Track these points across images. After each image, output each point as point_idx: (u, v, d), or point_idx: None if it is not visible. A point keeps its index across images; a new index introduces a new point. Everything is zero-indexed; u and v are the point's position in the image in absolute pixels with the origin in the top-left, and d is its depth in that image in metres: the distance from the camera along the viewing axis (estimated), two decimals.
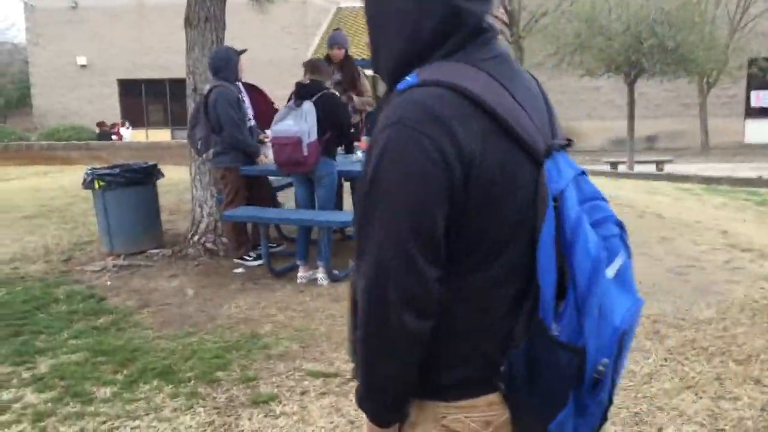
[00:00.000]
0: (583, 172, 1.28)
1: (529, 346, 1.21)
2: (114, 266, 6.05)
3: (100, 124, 23.64)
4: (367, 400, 1.30)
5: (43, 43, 27.44)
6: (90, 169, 6.19)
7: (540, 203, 1.20)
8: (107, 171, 6.12)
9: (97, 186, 6.04)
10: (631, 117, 18.18)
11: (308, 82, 5.52)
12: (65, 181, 11.43)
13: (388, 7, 1.28)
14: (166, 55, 26.66)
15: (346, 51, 6.92)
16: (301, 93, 5.47)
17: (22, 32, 36.20)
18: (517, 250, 1.23)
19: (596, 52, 17.17)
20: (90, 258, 6.45)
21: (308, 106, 5.36)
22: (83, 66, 27.37)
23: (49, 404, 3.56)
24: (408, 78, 1.22)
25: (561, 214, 1.19)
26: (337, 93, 5.73)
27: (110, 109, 27.47)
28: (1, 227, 8.01)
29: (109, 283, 5.74)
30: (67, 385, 3.78)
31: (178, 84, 27.28)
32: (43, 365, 4.07)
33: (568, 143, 1.29)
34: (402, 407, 1.30)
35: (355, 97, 6.75)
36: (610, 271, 1.22)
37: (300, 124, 5.32)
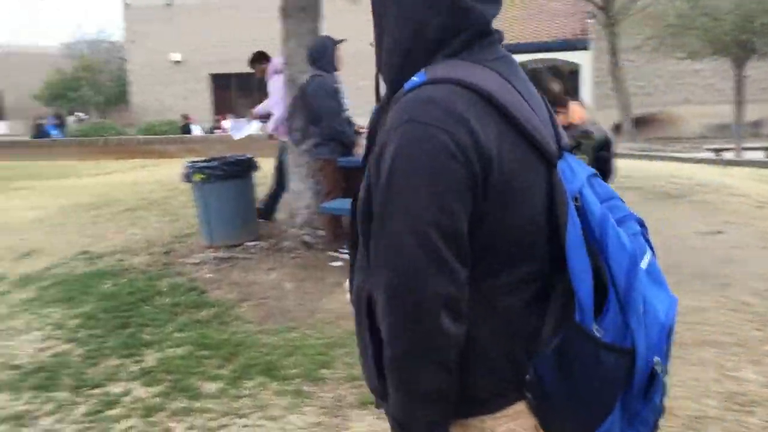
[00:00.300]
0: (595, 173, 1.26)
1: (562, 351, 1.15)
2: (214, 258, 6.08)
3: (185, 117, 24.22)
4: (409, 427, 1.18)
5: (139, 41, 28.39)
6: (189, 163, 6.24)
7: (560, 204, 1.17)
8: (206, 164, 6.15)
9: (196, 179, 6.07)
10: (739, 101, 17.19)
11: None
12: (162, 174, 11.71)
13: (393, 2, 1.23)
14: (256, 49, 27.05)
15: None
16: None
17: (119, 31, 37.74)
18: (535, 252, 1.20)
19: (701, 33, 16.30)
20: (190, 250, 6.51)
21: None
22: (177, 62, 28.18)
23: (158, 399, 3.55)
24: (414, 78, 1.17)
25: (584, 213, 1.17)
26: None
27: (202, 104, 28.20)
28: (104, 220, 8.23)
29: (209, 275, 5.76)
30: (174, 380, 3.76)
31: None
32: (150, 358, 4.08)
33: (577, 145, 1.28)
34: (447, 428, 1.20)
35: None
36: (643, 266, 1.19)
37: None
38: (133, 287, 5.49)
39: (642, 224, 1.29)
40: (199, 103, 28.10)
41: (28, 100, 34.52)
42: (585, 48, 23.07)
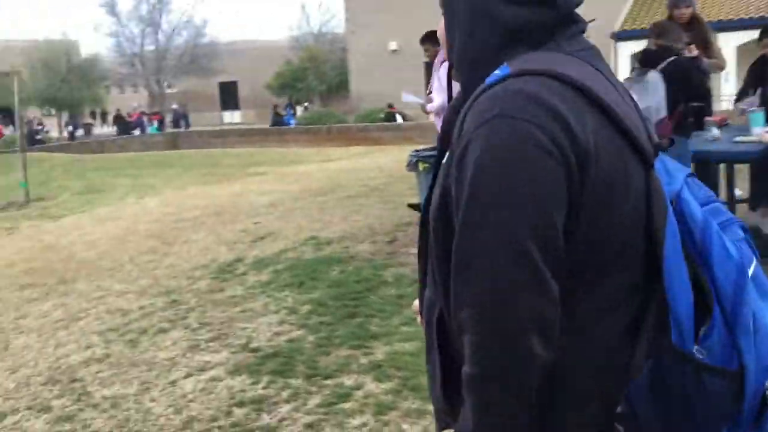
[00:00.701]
0: (693, 174, 1.18)
1: (657, 378, 1.07)
2: None
3: (389, 106, 24.65)
4: None
5: (359, 31, 29.50)
6: (414, 152, 6.19)
7: (657, 208, 1.05)
8: (431, 153, 6.05)
9: (421, 168, 6.00)
10: None
11: (654, 47, 4.82)
12: (382, 161, 11.96)
13: None
14: None
15: (694, 9, 6.02)
16: (645, 61, 4.80)
17: (341, 23, 39.57)
18: (631, 265, 1.06)
19: None
20: (412, 240, 6.46)
21: (654, 76, 4.68)
22: (394, 51, 28.90)
23: (389, 396, 3.47)
24: (497, 71, 1.05)
25: (684, 218, 1.09)
26: (694, 55, 4.94)
27: (418, 92, 28.63)
28: (331, 206, 8.50)
29: None
30: (404, 377, 3.66)
31: None
32: (379, 352, 4.03)
33: (671, 143, 1.06)
34: None
35: (704, 59, 5.84)
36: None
37: (645, 99, 4.65)
38: (360, 276, 5.54)
39: (746, 230, 1.16)
40: (415, 91, 28.52)
41: (260, 91, 37.33)
42: None
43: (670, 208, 1.07)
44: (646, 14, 24.77)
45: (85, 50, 40.94)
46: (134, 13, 39.12)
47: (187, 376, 4.00)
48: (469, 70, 1.13)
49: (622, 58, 24.46)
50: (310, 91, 31.14)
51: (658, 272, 1.04)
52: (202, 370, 4.09)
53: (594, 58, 1.12)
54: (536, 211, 0.97)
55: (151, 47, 39.60)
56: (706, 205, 1.13)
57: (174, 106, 33.75)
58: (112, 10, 38.97)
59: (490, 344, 0.99)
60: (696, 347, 1.04)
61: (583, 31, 1.15)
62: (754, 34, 21.72)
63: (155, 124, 31.58)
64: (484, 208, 0.99)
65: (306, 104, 30.49)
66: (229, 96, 44.67)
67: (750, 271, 1.08)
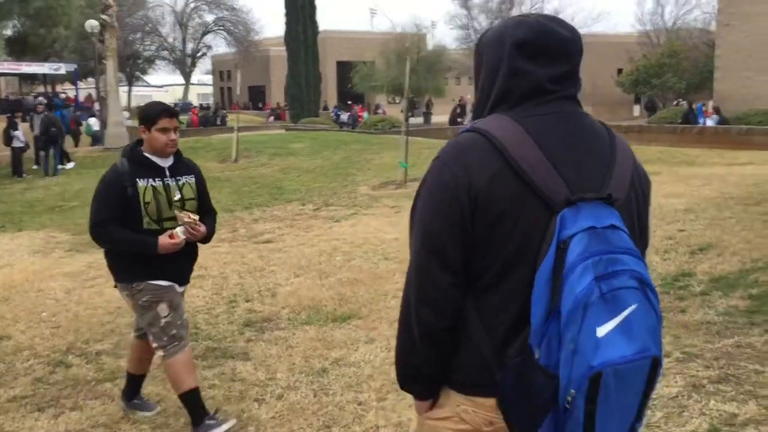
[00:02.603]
0: (613, 225, 1.40)
1: (520, 363, 1.42)
2: None
3: None
4: (397, 375, 1.65)
5: (735, 24, 26.13)
6: None
7: (544, 244, 1.41)
8: None
9: None
10: None
11: None
12: None
13: (482, 67, 1.61)
14: None
15: None
16: None
17: (699, 16, 35.91)
18: (519, 278, 1.45)
19: None
20: None
21: None
22: None
23: None
24: (467, 126, 1.56)
25: (565, 257, 1.37)
26: None
27: None
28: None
29: None
30: None
31: None
32: None
33: (607, 198, 1.42)
34: (428, 386, 1.61)
35: None
36: (615, 319, 1.33)
37: None
38: None
39: (647, 285, 1.39)
40: None
41: (602, 86, 35.47)
42: None
43: (553, 246, 1.39)
44: None
45: (434, 42, 42.57)
46: (485, 7, 39.88)
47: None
48: (476, 117, 1.61)
49: None
50: (667, 89, 28.55)
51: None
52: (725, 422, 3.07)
53: (542, 122, 1.49)
54: (432, 225, 1.50)
55: None
56: (608, 253, 1.37)
57: None
58: (464, 3, 40.12)
59: (402, 305, 1.57)
60: (537, 349, 1.39)
61: (569, 97, 1.54)
62: None
63: None
64: (413, 222, 1.57)
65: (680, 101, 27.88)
66: None
67: (622, 314, 1.34)
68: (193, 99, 60.87)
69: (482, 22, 40.76)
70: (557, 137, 1.48)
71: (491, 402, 1.51)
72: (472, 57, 1.68)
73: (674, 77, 28.75)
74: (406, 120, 13.30)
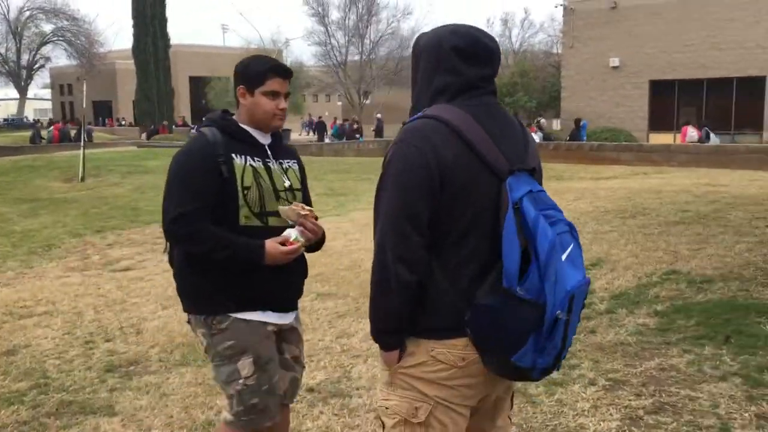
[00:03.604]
0: (542, 190, 1.86)
1: (493, 304, 1.78)
2: None
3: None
4: (375, 331, 1.92)
5: (578, 46, 27.65)
6: None
7: (502, 205, 1.80)
8: None
9: None
10: None
11: None
12: (676, 184, 10.24)
13: (420, 68, 1.97)
14: (709, 53, 24.49)
15: None
16: None
17: (545, 38, 37.89)
18: (479, 237, 1.83)
19: None
20: None
21: None
22: (615, 67, 26.78)
23: None
24: (416, 115, 1.90)
25: (522, 215, 1.77)
26: None
27: (638, 111, 26.38)
28: (654, 232, 7.00)
29: None
30: None
31: (716, 83, 25.08)
32: None
33: (532, 170, 1.87)
34: (401, 336, 1.89)
35: None
36: (563, 255, 1.76)
37: None
38: None
39: (571, 227, 1.86)
40: (634, 111, 26.34)
41: None
42: None
43: (511, 206, 1.78)
44: None
45: (293, 58, 42.04)
46: (342, 24, 39.80)
47: None
48: (414, 111, 1.94)
49: None
50: (518, 107, 29.71)
51: (500, 242, 1.78)
52: None
53: (479, 109, 1.89)
54: (407, 196, 1.81)
55: (356, 57, 40.00)
56: (545, 209, 1.80)
57: (378, 116, 33.58)
58: (322, 20, 39.85)
59: (378, 267, 1.85)
60: (518, 287, 1.74)
61: (493, 92, 1.96)
62: None
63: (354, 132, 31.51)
64: (383, 191, 1.86)
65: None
66: None
67: (567, 251, 1.78)
68: (30, 114, 56.57)
69: (340, 39, 40.72)
70: (491, 122, 1.88)
71: (463, 341, 1.84)
72: (411, 58, 2.04)
73: (525, 96, 29.96)
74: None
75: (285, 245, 2.41)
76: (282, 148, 2.64)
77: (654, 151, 16.69)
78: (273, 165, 2.54)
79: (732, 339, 4.03)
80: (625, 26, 26.33)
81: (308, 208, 2.50)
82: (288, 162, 2.62)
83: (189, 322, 2.61)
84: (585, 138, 21.03)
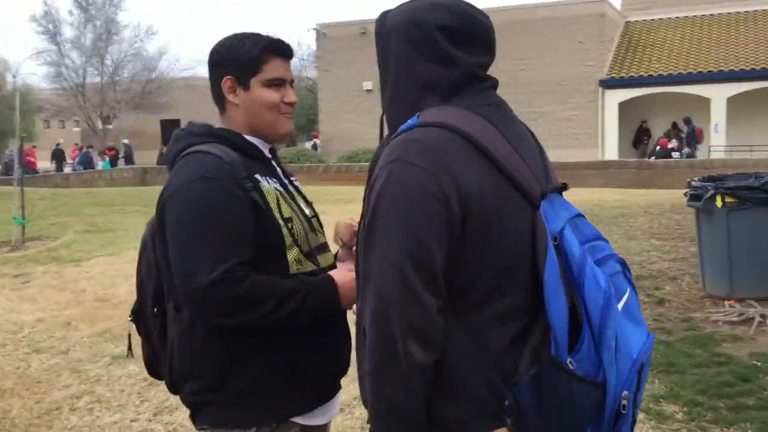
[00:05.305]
0: (580, 214, 1.36)
1: (538, 380, 1.24)
2: (742, 317, 4.44)
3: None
4: None
5: (332, 70, 28.14)
6: (704, 181, 4.67)
7: (539, 243, 1.27)
8: (738, 184, 4.53)
9: (719, 204, 4.48)
10: None
11: None
12: None
13: (390, 53, 1.41)
14: None
15: None
16: None
17: (301, 62, 38.13)
18: (517, 288, 1.29)
19: None
20: (687, 299, 4.91)
21: None
22: (368, 90, 27.64)
23: None
24: (409, 121, 1.34)
25: (564, 252, 1.26)
26: None
27: None
28: None
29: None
30: None
31: None
32: None
33: (564, 187, 1.37)
34: None
35: None
36: (620, 305, 1.28)
37: None
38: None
39: (624, 265, 1.37)
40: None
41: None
42: None
43: (551, 243, 1.25)
44: (631, 63, 24.54)
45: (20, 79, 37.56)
46: (77, 42, 36.38)
47: None
48: (395, 116, 1.40)
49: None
50: None
51: (541, 295, 1.24)
52: None
53: (493, 112, 1.36)
54: (413, 240, 1.24)
55: (96, 79, 36.81)
56: (587, 242, 1.31)
57: (125, 141, 31.16)
58: (53, 38, 36.09)
59: (377, 346, 1.26)
60: (569, 359, 1.21)
61: (495, 86, 1.42)
62: (745, 86, 21.45)
63: (106, 159, 28.89)
64: (377, 235, 1.27)
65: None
66: (171, 134, 42.31)
67: (622, 301, 1.30)
68: None
69: (75, 59, 37.28)
70: (510, 129, 1.39)
71: None
72: (375, 46, 1.48)
73: None
74: (22, 166, 10.74)
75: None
76: (278, 160, 1.90)
77: None
78: (289, 186, 1.84)
79: None
80: (374, 51, 27.23)
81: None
82: (293, 180, 1.91)
83: None
84: None
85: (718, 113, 22.69)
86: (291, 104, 1.79)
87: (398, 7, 1.45)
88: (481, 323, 1.29)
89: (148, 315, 1.81)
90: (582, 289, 1.23)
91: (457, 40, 1.38)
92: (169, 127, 44.38)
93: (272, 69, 1.76)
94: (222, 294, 1.58)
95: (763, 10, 24.57)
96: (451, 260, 1.26)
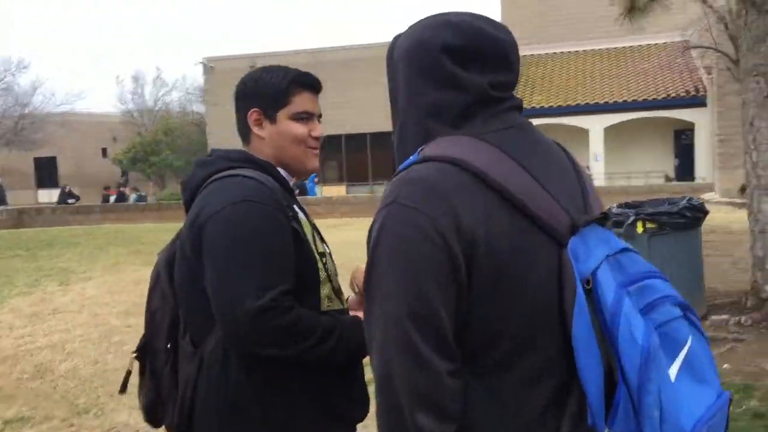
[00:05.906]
0: (626, 248, 1.14)
1: None
2: None
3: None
4: None
5: (221, 103, 27.71)
6: (621, 206, 4.76)
7: (567, 289, 1.09)
8: (656, 210, 4.65)
9: (640, 230, 4.58)
10: None
11: None
12: (346, 236, 10.30)
13: (398, 81, 1.27)
14: (346, 111, 26.38)
15: None
16: None
17: (179, 96, 37.26)
18: (547, 343, 1.11)
19: None
20: None
21: None
22: None
23: None
24: (411, 157, 1.19)
25: (597, 299, 1.07)
26: None
27: None
28: None
29: None
30: None
31: (352, 138, 27.09)
32: None
33: (604, 216, 1.17)
34: None
35: None
36: (676, 364, 1.07)
37: None
38: None
39: (686, 307, 1.13)
40: None
41: (86, 167, 33.77)
42: (702, 105, 22.02)
43: (580, 288, 1.06)
44: None
45: None
46: None
47: None
48: (403, 149, 1.25)
49: None
50: (165, 167, 28.41)
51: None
52: None
53: (510, 138, 1.18)
54: (413, 296, 1.06)
55: None
56: (633, 283, 1.09)
57: None
58: None
59: (386, 415, 1.09)
60: (606, 430, 1.04)
61: (517, 107, 1.24)
62: (620, 117, 22.99)
63: None
64: (375, 288, 1.11)
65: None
66: (46, 173, 40.15)
67: (680, 355, 1.08)
68: None
69: None
70: (529, 154, 1.19)
71: None
72: (386, 69, 1.33)
73: (172, 154, 28.90)
74: None
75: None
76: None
77: (317, 204, 17.22)
78: (309, 220, 1.75)
79: None
80: None
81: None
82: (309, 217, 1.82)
83: None
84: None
85: (596, 143, 23.99)
86: (317, 138, 1.76)
87: (409, 28, 1.31)
88: (509, 387, 1.11)
89: (159, 350, 1.71)
90: (616, 345, 1.04)
91: (464, 60, 1.22)
92: (44, 164, 42.17)
93: (300, 102, 1.74)
94: (269, 322, 1.49)
95: (631, 46, 26.27)
96: (462, 314, 1.09)
